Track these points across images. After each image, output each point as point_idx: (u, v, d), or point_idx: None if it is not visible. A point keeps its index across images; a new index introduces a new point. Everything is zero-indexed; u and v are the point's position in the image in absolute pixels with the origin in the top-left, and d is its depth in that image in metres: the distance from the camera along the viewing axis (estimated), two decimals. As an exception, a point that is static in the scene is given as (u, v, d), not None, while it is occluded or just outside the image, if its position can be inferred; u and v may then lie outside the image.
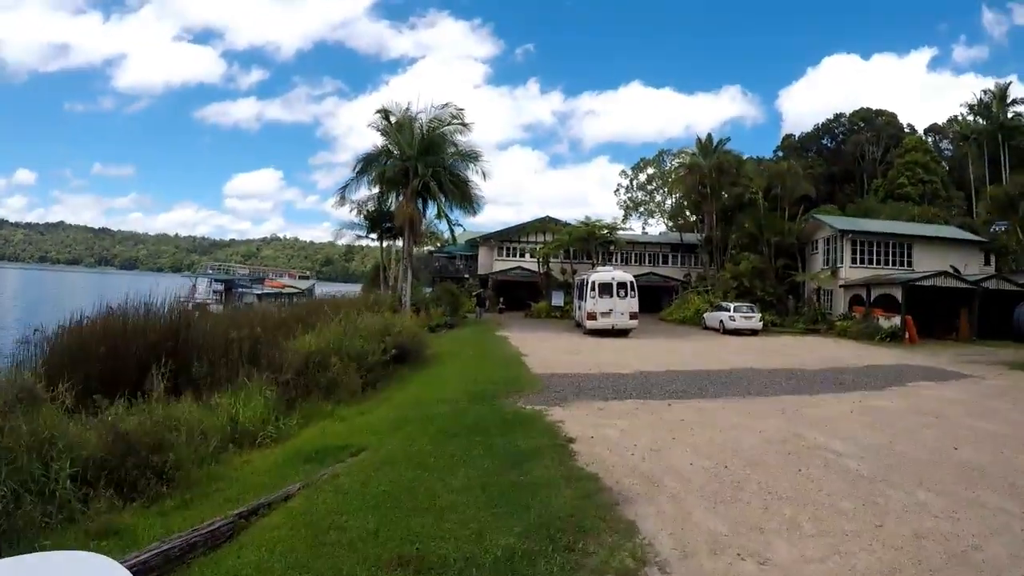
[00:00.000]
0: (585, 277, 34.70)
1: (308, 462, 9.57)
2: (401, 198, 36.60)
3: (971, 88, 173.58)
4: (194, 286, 52.39)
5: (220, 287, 55.57)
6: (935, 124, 79.70)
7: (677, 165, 56.51)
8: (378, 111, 36.62)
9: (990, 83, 66.34)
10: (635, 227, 68.09)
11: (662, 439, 10.26)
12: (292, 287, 60.77)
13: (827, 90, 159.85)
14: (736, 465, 8.81)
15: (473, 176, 37.80)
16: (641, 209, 72.82)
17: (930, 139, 75.07)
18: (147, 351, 12.17)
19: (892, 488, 7.95)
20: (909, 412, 13.21)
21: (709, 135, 51.97)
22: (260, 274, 70.99)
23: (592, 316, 31.23)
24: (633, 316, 31.50)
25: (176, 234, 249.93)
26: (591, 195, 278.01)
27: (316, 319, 19.48)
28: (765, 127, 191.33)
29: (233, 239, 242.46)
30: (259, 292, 53.05)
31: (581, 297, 34.33)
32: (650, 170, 71.53)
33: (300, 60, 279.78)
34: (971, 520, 6.88)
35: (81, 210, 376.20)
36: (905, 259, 39.81)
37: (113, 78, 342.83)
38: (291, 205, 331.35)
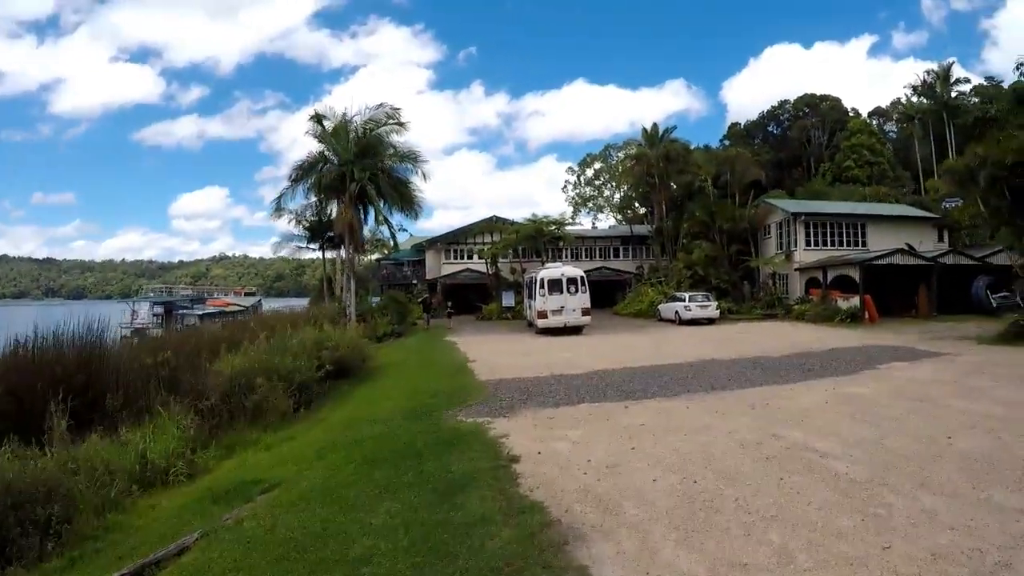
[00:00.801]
0: (534, 275, 33.33)
1: (217, 503, 8.43)
2: (340, 205, 34.83)
3: (911, 73, 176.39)
4: (134, 311, 50.78)
5: (160, 310, 53.20)
6: (879, 107, 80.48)
7: (624, 157, 55.20)
8: (311, 117, 34.83)
9: (930, 67, 67.08)
10: (585, 223, 67.06)
11: (620, 450, 8.86)
12: (237, 305, 58.57)
13: (771, 79, 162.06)
14: (707, 479, 7.43)
15: (416, 179, 36.79)
16: (590, 204, 71.66)
17: (874, 122, 75.75)
18: (54, 386, 10.68)
19: (892, 494, 6.70)
20: (890, 397, 12.03)
21: (655, 124, 50.99)
22: (203, 294, 68.44)
23: (543, 315, 29.87)
24: (585, 312, 30.19)
25: (123, 259, 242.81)
26: (539, 195, 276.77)
27: (248, 337, 17.95)
28: (711, 119, 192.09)
29: (182, 260, 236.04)
30: (200, 312, 50.70)
31: (531, 296, 32.94)
32: (597, 165, 70.37)
33: (240, 74, 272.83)
34: (990, 528, 5.69)
35: (23, 242, 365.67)
36: (859, 239, 39.28)
37: (50, 103, 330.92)
38: (239, 223, 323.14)
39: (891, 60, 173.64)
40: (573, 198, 72.19)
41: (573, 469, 8.06)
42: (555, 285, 30.12)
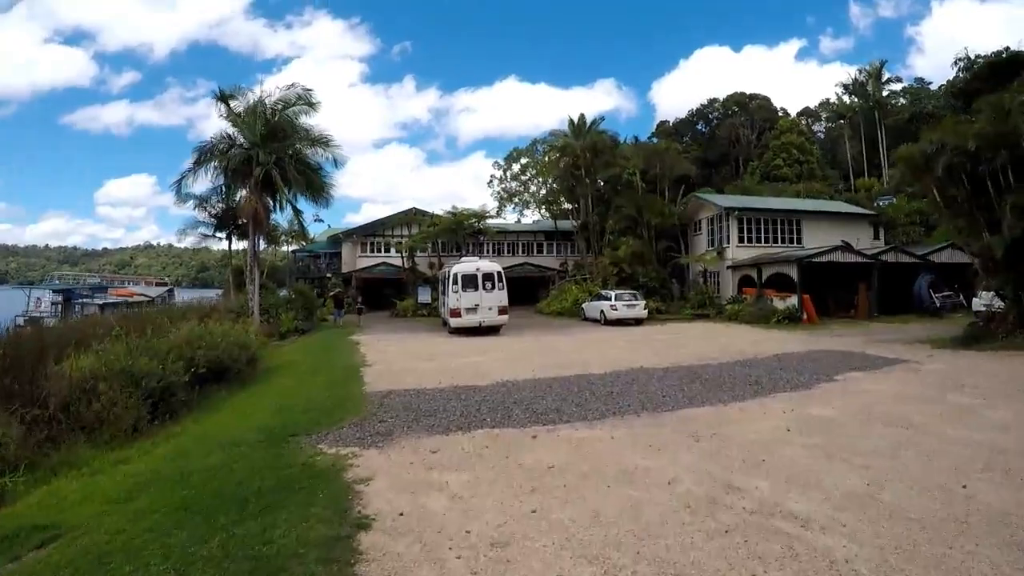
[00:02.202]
0: (447, 269, 30.53)
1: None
2: (246, 191, 31.47)
3: (839, 76, 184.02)
4: (38, 299, 47.54)
5: (59, 299, 49.11)
6: (807, 108, 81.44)
7: (549, 148, 52.47)
8: (216, 96, 31.23)
9: (861, 67, 68.35)
10: (511, 219, 64.43)
11: (516, 514, 6.12)
12: (143, 295, 55.01)
13: (700, 81, 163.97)
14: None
15: (329, 167, 33.91)
16: (516, 200, 69.40)
17: (803, 122, 75.85)
18: None
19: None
20: (863, 422, 9.61)
21: (582, 115, 48.09)
22: (104, 283, 64.42)
23: (456, 313, 27.05)
24: (503, 311, 27.49)
25: (46, 245, 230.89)
26: (468, 191, 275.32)
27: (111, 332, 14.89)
28: (640, 119, 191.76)
29: (106, 248, 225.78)
30: (101, 302, 46.77)
31: (444, 292, 30.10)
32: (524, 160, 68.12)
33: (174, 61, 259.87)
34: None
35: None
36: (795, 236, 37.74)
37: None
38: (165, 211, 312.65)
39: (818, 64, 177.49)
40: (499, 193, 70.08)
41: (442, 549, 5.35)
42: (470, 281, 27.33)
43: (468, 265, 28.45)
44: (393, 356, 19.61)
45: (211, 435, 10.45)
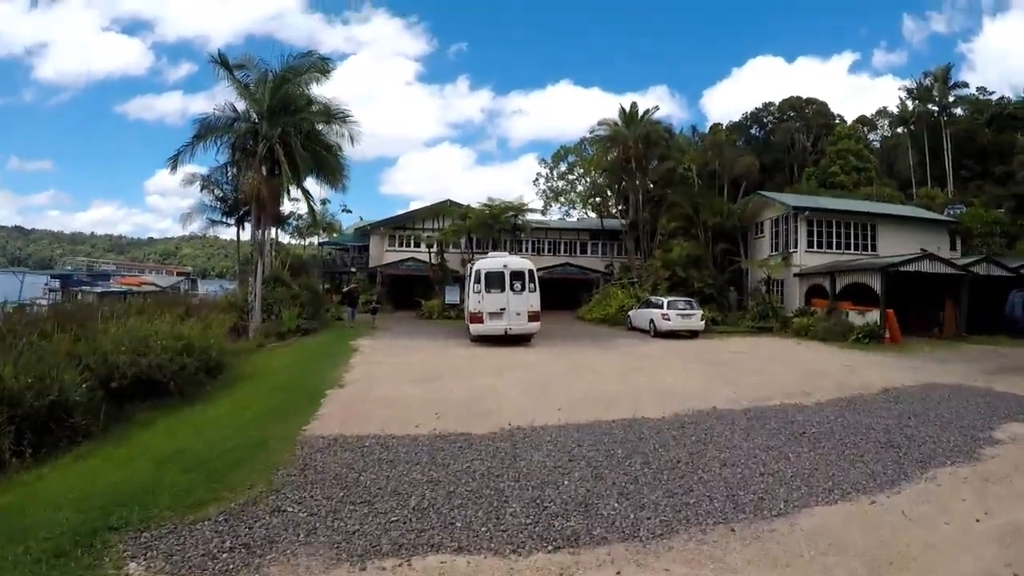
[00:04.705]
0: (470, 266, 26.28)
1: None
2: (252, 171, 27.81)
3: (889, 90, 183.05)
4: (57, 285, 45.06)
5: (56, 284, 46.35)
6: (863, 116, 76.53)
7: (596, 140, 47.49)
8: (216, 60, 27.44)
9: (927, 69, 64.57)
10: (554, 219, 60.08)
11: None
12: (153, 284, 51.84)
13: (752, 90, 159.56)
14: None
15: (345, 145, 30.37)
16: (562, 199, 65.23)
17: (861, 129, 71.47)
18: None
19: None
20: None
21: (634, 103, 42.53)
22: (109, 270, 62.22)
23: (477, 318, 22.61)
24: (533, 317, 22.89)
25: (92, 232, 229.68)
26: (518, 192, 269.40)
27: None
28: (693, 126, 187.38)
29: (152, 237, 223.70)
30: (101, 290, 43.58)
31: (467, 292, 25.75)
32: (571, 158, 63.92)
33: (230, 54, 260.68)
34: None
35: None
36: (868, 242, 32.67)
37: (35, 68, 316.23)
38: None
39: (870, 77, 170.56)
40: (544, 192, 66.03)
41: None
42: (495, 280, 22.80)
43: (494, 261, 23.95)
44: (383, 374, 15.46)
45: (47, 494, 7.20)
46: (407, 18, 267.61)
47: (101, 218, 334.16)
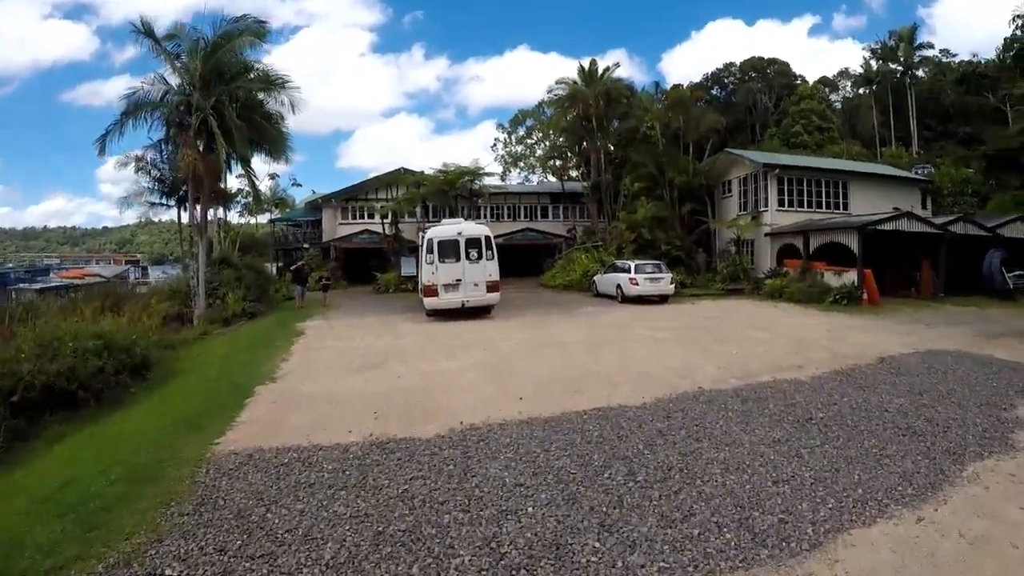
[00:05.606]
0: (422, 235, 24.40)
1: None
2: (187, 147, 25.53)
3: (850, 53, 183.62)
4: None
5: None
6: (824, 77, 76.52)
7: (555, 98, 45.55)
8: (139, 29, 24.97)
9: (891, 29, 64.47)
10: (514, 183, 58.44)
11: None
12: (98, 276, 49.56)
13: (712, 54, 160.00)
14: None
15: (287, 113, 28.35)
16: (521, 164, 63.74)
17: (823, 89, 71.12)
18: None
19: None
20: None
21: (593, 60, 40.95)
22: (46, 264, 60.03)
23: (431, 291, 20.82)
24: (492, 287, 21.18)
25: (45, 226, 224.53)
26: (477, 159, 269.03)
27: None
28: (655, 82, 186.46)
29: (107, 227, 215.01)
30: (41, 287, 40.90)
31: (420, 263, 23.98)
32: (529, 122, 62.28)
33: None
34: None
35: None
36: (840, 200, 31.63)
37: None
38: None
39: (829, 40, 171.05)
40: (503, 157, 64.31)
41: None
42: (449, 249, 21.01)
43: (448, 228, 22.02)
44: (322, 362, 13.65)
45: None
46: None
47: (55, 210, 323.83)
